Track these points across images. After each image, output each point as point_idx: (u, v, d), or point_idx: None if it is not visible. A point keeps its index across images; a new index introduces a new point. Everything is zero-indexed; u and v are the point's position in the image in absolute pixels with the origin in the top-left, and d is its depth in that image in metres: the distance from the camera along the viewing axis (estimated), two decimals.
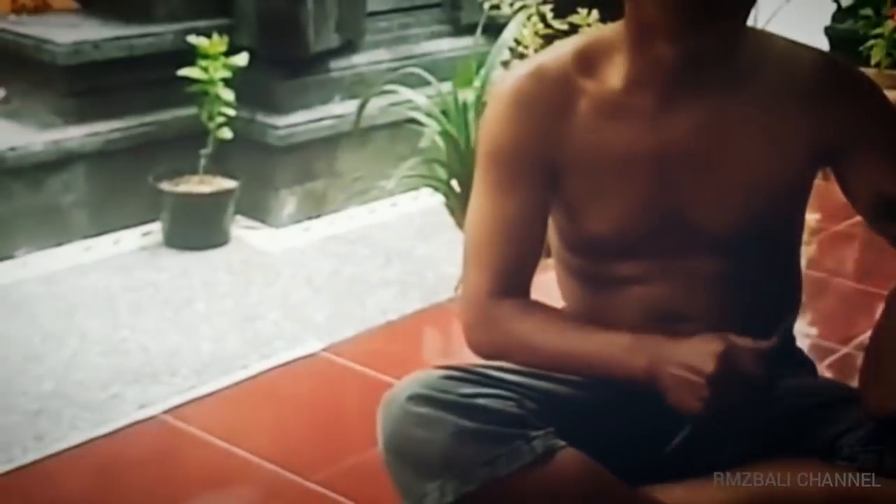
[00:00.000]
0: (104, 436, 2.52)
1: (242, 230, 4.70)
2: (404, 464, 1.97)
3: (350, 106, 5.20)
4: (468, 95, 3.88)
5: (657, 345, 1.98)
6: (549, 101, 2.09)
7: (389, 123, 5.01)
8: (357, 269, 4.37)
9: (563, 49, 2.15)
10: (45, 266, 4.27)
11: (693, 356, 1.92)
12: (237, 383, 2.87)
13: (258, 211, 4.83)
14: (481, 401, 1.99)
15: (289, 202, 4.87)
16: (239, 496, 2.29)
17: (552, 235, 2.27)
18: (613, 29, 2.12)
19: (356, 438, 2.40)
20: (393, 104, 4.54)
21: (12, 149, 4.43)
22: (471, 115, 3.87)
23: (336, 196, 5.01)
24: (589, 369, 2.06)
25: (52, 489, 2.19)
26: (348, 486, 2.32)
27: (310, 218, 4.89)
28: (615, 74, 2.08)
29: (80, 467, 2.33)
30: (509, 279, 2.12)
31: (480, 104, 3.94)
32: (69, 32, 4.82)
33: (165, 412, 2.43)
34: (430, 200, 5.06)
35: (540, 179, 2.12)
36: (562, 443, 1.96)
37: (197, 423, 2.38)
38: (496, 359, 2.14)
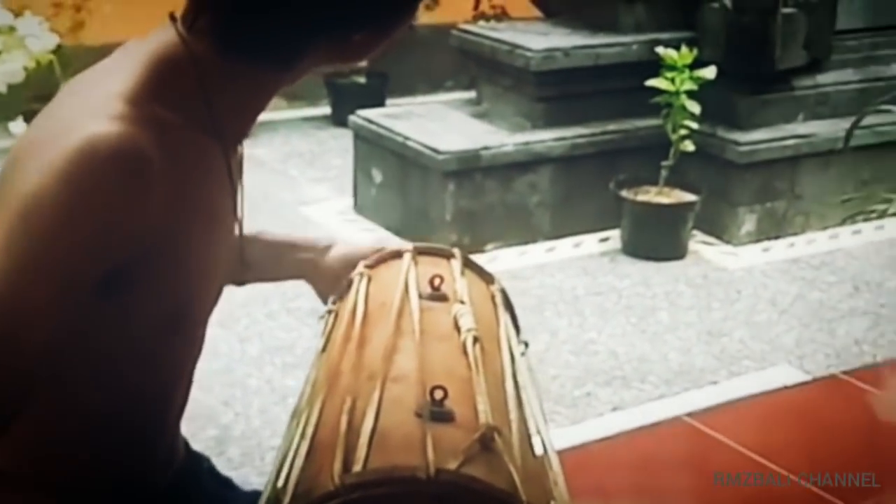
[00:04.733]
0: (632, 430, 2.56)
1: (699, 244, 4.65)
2: None
3: (814, 126, 5.03)
4: None
5: None
6: None
7: (854, 147, 4.78)
8: (823, 296, 4.20)
9: None
10: (512, 262, 4.41)
11: None
12: (755, 395, 2.82)
13: (715, 227, 4.75)
14: None
15: (747, 220, 4.76)
16: None
17: None
18: None
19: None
20: (875, 125, 4.32)
21: (486, 148, 4.61)
22: None
23: (796, 218, 4.85)
24: None
25: (588, 474, 2.25)
26: None
27: (768, 238, 4.76)
28: None
29: (615, 457, 2.38)
30: None
31: None
32: (541, 39, 4.96)
33: (689, 415, 2.42)
34: None
35: None
36: None
37: (723, 430, 2.36)
38: None
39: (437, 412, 1.24)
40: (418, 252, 1.66)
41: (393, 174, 4.73)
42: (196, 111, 1.18)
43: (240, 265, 1.45)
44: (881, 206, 3.60)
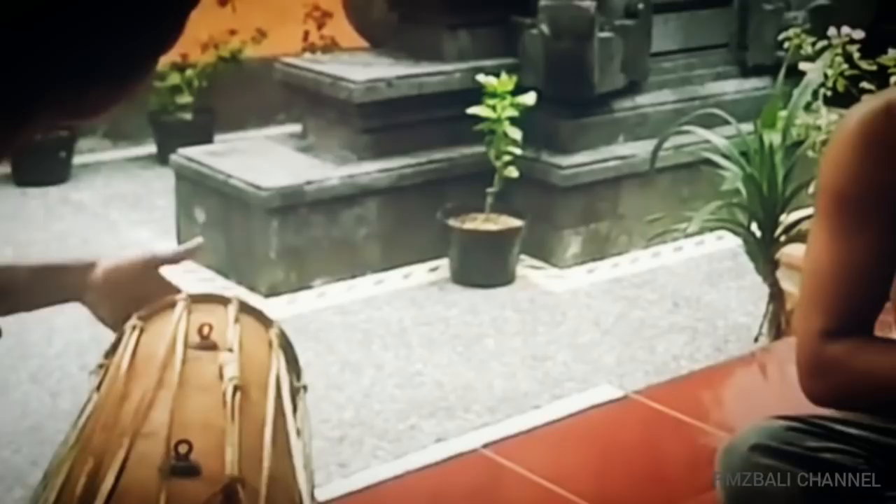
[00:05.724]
0: (428, 466, 2.55)
1: (527, 269, 4.70)
2: None
3: (634, 147, 5.15)
4: (774, 137, 3.74)
5: None
6: None
7: (672, 165, 4.92)
8: (644, 314, 4.28)
9: None
10: (340, 297, 4.38)
11: None
12: (554, 422, 2.85)
13: (542, 251, 4.82)
14: (828, 455, 1.88)
15: (573, 243, 4.83)
16: None
17: None
18: None
19: (680, 486, 2.34)
20: (688, 145, 4.44)
21: (309, 182, 4.58)
22: (777, 157, 3.73)
23: (619, 238, 4.95)
24: None
25: None
26: None
27: (594, 259, 4.84)
28: None
29: (409, 495, 2.37)
30: (849, 320, 1.98)
31: (785, 147, 3.79)
32: (363, 70, 4.97)
33: (486, 446, 2.43)
34: (716, 245, 4.93)
35: (891, 222, 1.99)
36: None
37: (517, 459, 2.37)
38: (834, 404, 2.01)
39: (179, 467, 1.22)
40: (193, 300, 1.64)
41: (216, 213, 4.66)
42: None
43: None
44: (683, 225, 3.69)
